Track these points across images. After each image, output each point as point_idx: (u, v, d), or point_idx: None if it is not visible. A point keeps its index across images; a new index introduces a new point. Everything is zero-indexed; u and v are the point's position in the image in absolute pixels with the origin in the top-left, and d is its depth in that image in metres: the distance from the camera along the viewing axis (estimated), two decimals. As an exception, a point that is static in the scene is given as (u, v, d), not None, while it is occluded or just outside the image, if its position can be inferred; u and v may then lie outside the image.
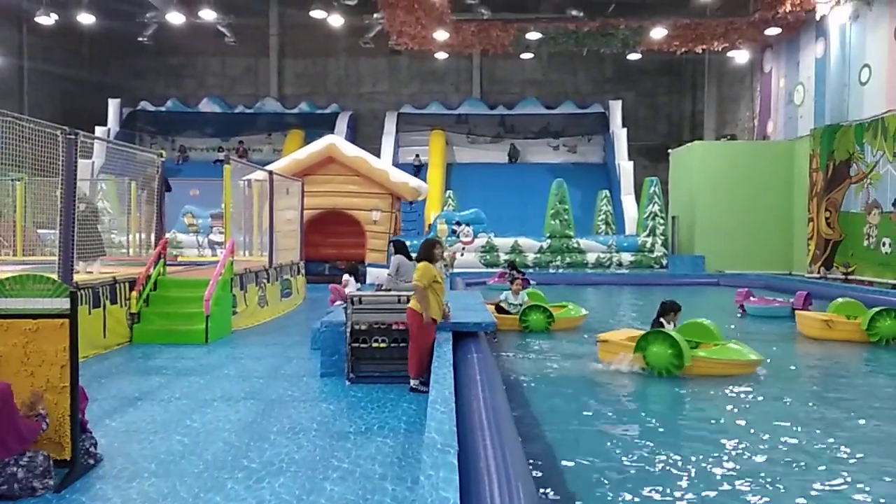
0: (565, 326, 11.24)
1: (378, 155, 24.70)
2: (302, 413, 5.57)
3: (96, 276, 8.73)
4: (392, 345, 6.71)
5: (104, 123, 28.81)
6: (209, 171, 23.94)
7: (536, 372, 7.93)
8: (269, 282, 11.80)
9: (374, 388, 6.39)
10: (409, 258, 9.31)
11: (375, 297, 7.04)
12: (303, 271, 14.45)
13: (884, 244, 17.59)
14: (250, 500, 3.80)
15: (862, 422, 5.91)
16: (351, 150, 19.04)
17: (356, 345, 6.70)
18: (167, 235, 14.41)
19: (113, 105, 29.60)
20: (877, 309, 10.10)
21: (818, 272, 19.55)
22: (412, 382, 6.25)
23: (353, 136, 29.06)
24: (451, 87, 32.80)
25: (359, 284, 10.95)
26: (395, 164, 24.96)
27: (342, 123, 29.96)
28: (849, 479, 4.51)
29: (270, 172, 13.02)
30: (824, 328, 10.23)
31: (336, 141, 19.34)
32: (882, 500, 4.18)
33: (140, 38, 27.04)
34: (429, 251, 6.59)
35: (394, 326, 6.71)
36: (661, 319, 8.28)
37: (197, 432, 5.04)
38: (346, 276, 11.02)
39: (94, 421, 4.88)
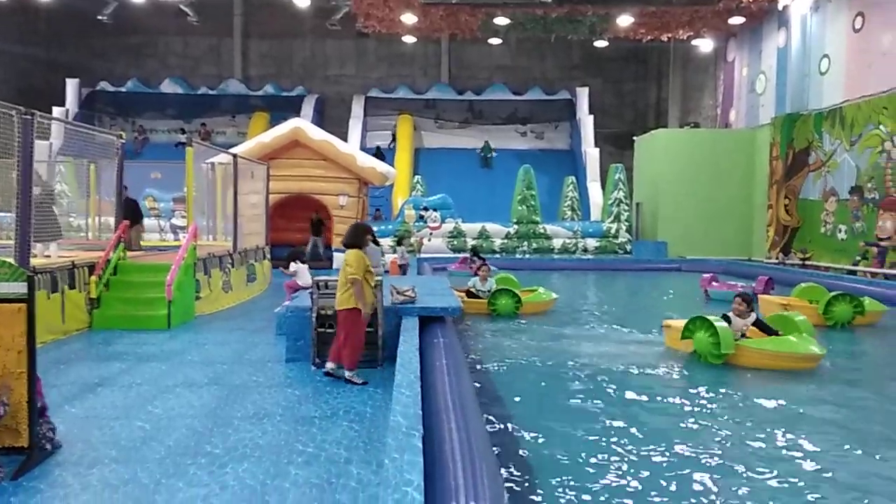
0: (536, 310, 11.36)
1: (345, 139, 24.51)
2: (266, 398, 5.54)
3: (54, 260, 8.51)
4: (358, 330, 6.68)
5: (62, 104, 27.95)
6: (171, 154, 23.46)
7: (504, 355, 7.99)
8: (233, 267, 11.65)
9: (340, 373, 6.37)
10: (376, 243, 9.28)
11: (341, 281, 7.00)
12: (268, 256, 14.30)
13: (840, 231, 18.10)
14: (213, 486, 3.78)
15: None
16: (317, 134, 18.86)
17: (322, 330, 6.67)
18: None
19: (71, 85, 28.73)
20: (833, 294, 10.43)
21: (776, 258, 20.04)
22: (347, 374, 6.06)
23: (320, 120, 28.73)
24: (419, 71, 32.60)
25: (307, 266, 10.29)
26: (363, 149, 24.80)
27: (308, 106, 29.57)
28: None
29: (234, 155, 12.81)
30: (782, 311, 10.51)
31: (302, 124, 19.13)
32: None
33: (99, 17, 26.20)
34: (360, 237, 6.21)
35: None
36: (728, 314, 7.84)
37: (159, 418, 4.98)
38: (292, 266, 10.35)
39: (53, 407, 4.78)
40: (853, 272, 16.94)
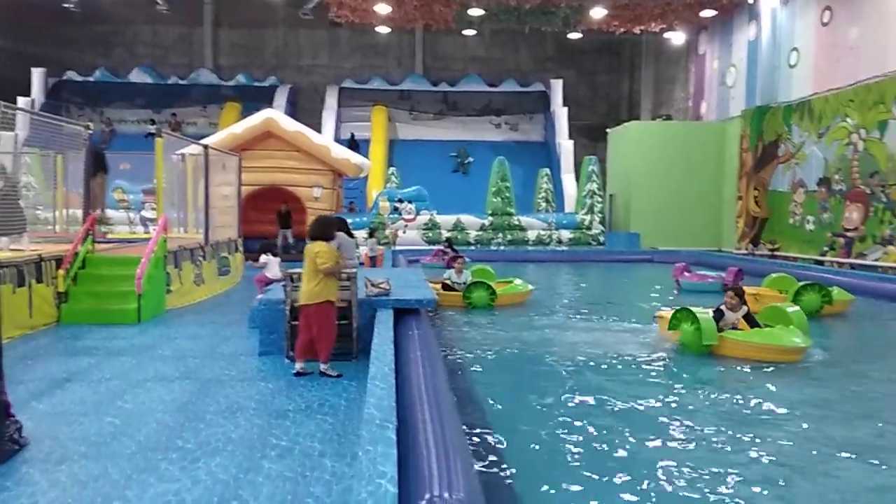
0: (512, 302, 11.41)
1: (319, 130, 24.30)
2: (239, 392, 5.50)
3: (22, 253, 8.32)
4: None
5: (28, 94, 27.30)
6: (140, 145, 23.05)
7: (480, 347, 8.02)
8: (205, 259, 11.51)
9: (313, 366, 6.31)
10: (350, 235, 9.23)
11: (315, 274, 6.95)
12: (241, 249, 14.15)
13: (808, 222, 18.44)
14: (185, 481, 3.74)
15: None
16: (290, 125, 18.67)
17: (295, 322, 6.62)
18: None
19: (37, 74, 28.05)
20: (801, 284, 10.64)
21: (746, 249, 20.37)
22: (322, 367, 6.05)
23: (293, 111, 28.44)
24: (393, 62, 32.43)
25: (278, 258, 10.03)
26: (337, 140, 24.63)
27: (281, 97, 29.25)
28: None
29: (205, 146, 12.63)
30: (753, 302, 10.67)
31: (275, 115, 18.92)
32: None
33: (66, 4, 25.58)
34: (327, 229, 6.15)
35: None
36: (721, 307, 7.92)
37: (129, 414, 4.91)
38: (262, 258, 10.07)
39: (20, 404, 4.69)
40: (821, 262, 17.29)
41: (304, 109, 30.00)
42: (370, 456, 3.03)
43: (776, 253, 19.35)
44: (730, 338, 7.54)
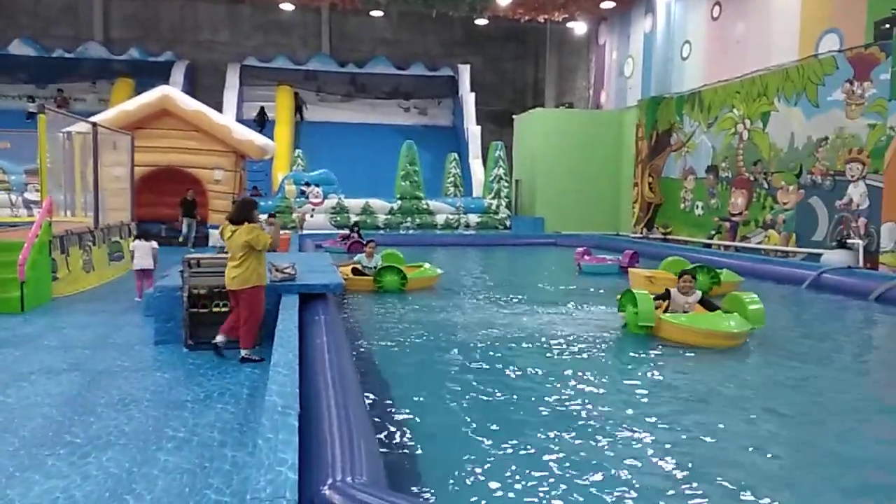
0: (422, 286, 11.48)
1: (220, 109, 23.38)
2: (133, 383, 5.27)
3: None
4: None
5: None
6: (23, 122, 21.38)
7: (389, 331, 8.02)
8: (95, 244, 10.88)
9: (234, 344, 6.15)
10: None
11: (216, 259, 6.74)
12: (135, 233, 13.44)
13: (697, 207, 19.56)
14: (74, 477, 3.57)
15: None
16: (189, 103, 17.86)
17: (195, 310, 6.42)
18: None
19: None
20: (691, 266, 11.27)
21: (641, 232, 21.38)
22: (244, 352, 5.98)
23: (191, 88, 27.18)
24: (298, 40, 31.56)
25: (153, 243, 9.29)
26: (239, 120, 23.78)
27: (178, 73, 27.86)
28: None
29: (94, 124, 11.89)
30: (647, 284, 11.23)
31: (171, 92, 18.02)
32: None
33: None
34: (249, 212, 6.07)
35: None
36: (671, 289, 7.96)
37: (11, 408, 4.62)
38: (133, 243, 9.30)
39: None
40: (708, 245, 18.41)
41: (204, 87, 28.74)
42: (270, 444, 2.99)
43: (668, 236, 20.42)
44: (667, 321, 7.49)
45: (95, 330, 7.22)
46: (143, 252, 9.05)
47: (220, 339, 6.05)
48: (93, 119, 13.19)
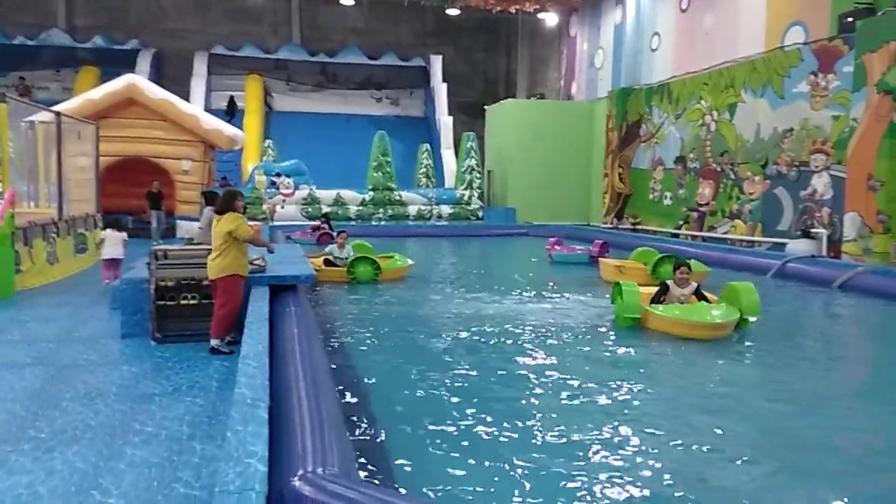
0: (393, 276, 11.46)
1: (187, 99, 23.00)
2: (99, 377, 5.18)
3: None
4: (203, 301, 6.41)
5: None
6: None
7: (362, 322, 8.01)
8: (59, 236, 10.65)
9: (183, 348, 6.09)
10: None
11: (184, 251, 6.66)
12: (100, 224, 13.19)
13: (666, 197, 19.81)
14: (38, 472, 3.50)
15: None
16: (156, 92, 17.53)
17: (162, 302, 6.33)
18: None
19: None
20: (660, 256, 11.44)
21: (611, 223, 21.60)
22: (213, 342, 5.93)
23: (158, 77, 26.65)
24: (268, 29, 31.13)
25: (124, 234, 9.47)
26: (207, 110, 23.42)
27: (145, 62, 27.34)
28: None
29: (58, 113, 11.62)
30: (617, 273, 11.37)
31: (138, 81, 17.67)
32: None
33: None
34: (231, 203, 6.09)
35: (205, 282, 6.40)
36: (668, 281, 7.93)
37: (-28, 405, 4.51)
38: (102, 233, 9.35)
39: None
40: (676, 235, 18.67)
41: (171, 77, 28.19)
42: (239, 436, 2.98)
43: (637, 227, 20.67)
44: (653, 313, 7.45)
45: (60, 323, 7.08)
46: (113, 241, 9.20)
47: (215, 342, 5.96)
48: (56, 108, 12.88)
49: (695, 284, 7.94)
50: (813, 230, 13.94)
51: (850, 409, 5.24)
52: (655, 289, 8.06)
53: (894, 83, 11.44)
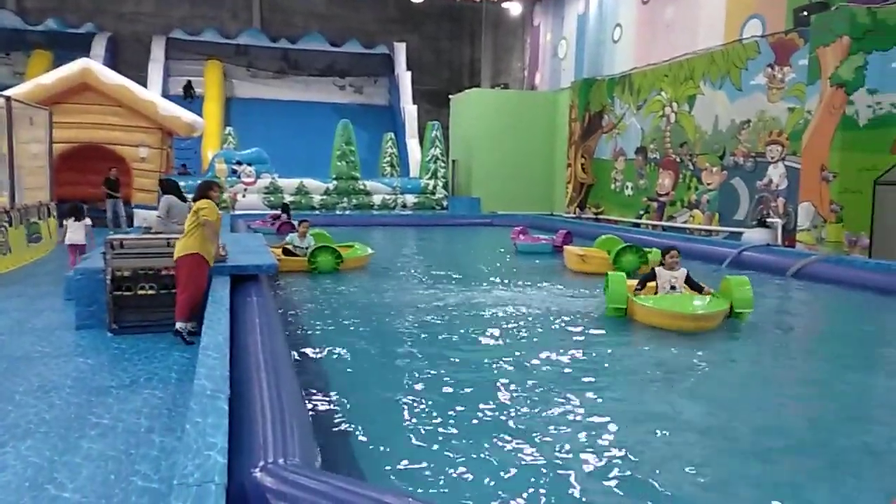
0: (354, 265, 11.41)
1: (144, 84, 22.44)
2: (53, 370, 5.06)
3: None
4: (161, 291, 6.30)
5: None
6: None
7: (324, 312, 7.95)
8: (10, 225, 10.31)
9: (141, 339, 5.98)
10: (182, 199, 8.72)
11: (141, 240, 6.52)
12: (54, 213, 12.82)
13: (627, 187, 20.08)
14: (-11, 469, 3.41)
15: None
16: (111, 77, 17.07)
17: (119, 293, 6.19)
18: None
19: None
20: (621, 245, 11.59)
21: (574, 212, 21.82)
22: (178, 325, 5.88)
23: (114, 62, 25.95)
24: (227, 13, 30.51)
25: (87, 220, 9.77)
26: (165, 95, 22.88)
27: (99, 46, 26.55)
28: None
29: (8, 98, 11.22)
30: (580, 262, 11.50)
31: (92, 65, 17.16)
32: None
33: None
34: (206, 192, 6.31)
35: (163, 272, 6.30)
36: (655, 267, 7.81)
37: (-82, 400, 4.36)
38: (67, 221, 9.56)
39: None
40: (637, 225, 18.95)
41: (127, 62, 27.46)
42: (199, 428, 2.94)
43: (600, 216, 20.93)
44: (636, 303, 7.30)
45: (12, 314, 6.87)
46: (75, 228, 9.54)
47: (180, 326, 5.93)
48: (7, 93, 12.42)
49: (685, 270, 7.74)
50: (768, 220, 14.30)
51: (799, 390, 5.41)
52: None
53: (847, 76, 11.75)
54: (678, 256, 7.67)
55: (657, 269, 7.75)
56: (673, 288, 7.51)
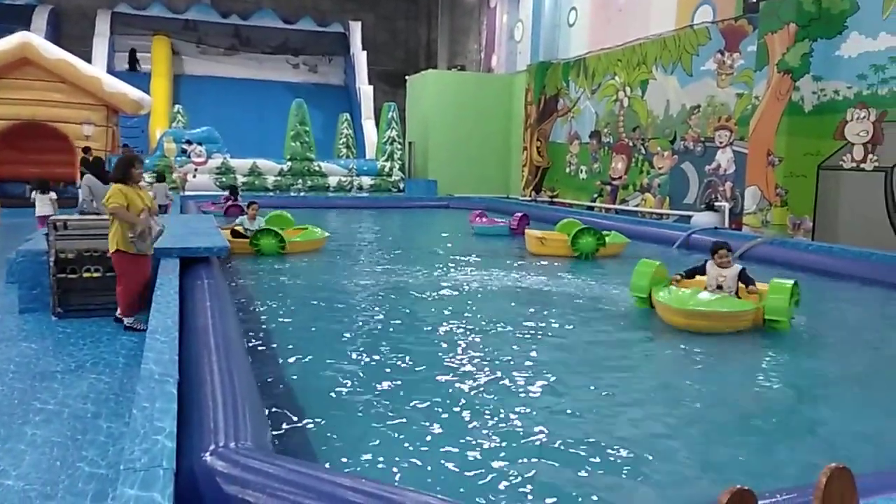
0: (308, 248, 11.28)
1: (88, 60, 21.63)
2: (-5, 355, 4.90)
3: None
4: (108, 274, 6.12)
5: None
6: None
7: (276, 295, 7.86)
8: (-54, 206, 9.89)
9: (87, 323, 5.82)
10: (104, 180, 8.48)
11: (84, 221, 6.32)
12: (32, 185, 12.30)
13: (581, 171, 20.32)
14: (-74, 458, 3.29)
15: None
16: (53, 52, 16.44)
17: (63, 275, 6.01)
18: None
19: None
20: (579, 228, 11.71)
21: (530, 195, 22.00)
22: (126, 321, 5.71)
23: (56, 36, 24.94)
24: (176, -12, 29.57)
25: (52, 194, 10.00)
26: (110, 72, 22.12)
27: (41, 19, 25.45)
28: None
29: (-60, 73, 10.70)
30: (539, 244, 11.59)
31: (32, 39, 16.49)
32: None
33: None
34: (125, 170, 5.65)
35: (108, 254, 6.11)
36: (706, 263, 7.19)
37: None
38: (33, 195, 9.97)
39: None
40: (591, 208, 19.23)
41: (70, 36, 26.43)
42: (146, 413, 2.89)
43: (555, 200, 21.15)
44: (656, 299, 6.83)
45: (-51, 299, 6.61)
46: (43, 202, 10.36)
47: (128, 321, 5.71)
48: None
49: (738, 267, 7.01)
50: (716, 203, 14.66)
51: (742, 372, 5.61)
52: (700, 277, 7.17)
53: (793, 63, 12.08)
54: (727, 256, 6.99)
55: (708, 263, 7.10)
56: (720, 287, 6.86)
